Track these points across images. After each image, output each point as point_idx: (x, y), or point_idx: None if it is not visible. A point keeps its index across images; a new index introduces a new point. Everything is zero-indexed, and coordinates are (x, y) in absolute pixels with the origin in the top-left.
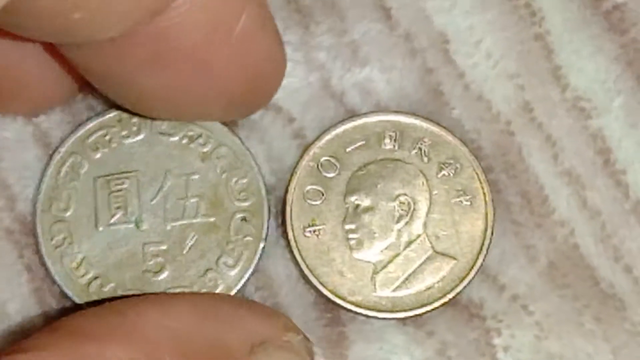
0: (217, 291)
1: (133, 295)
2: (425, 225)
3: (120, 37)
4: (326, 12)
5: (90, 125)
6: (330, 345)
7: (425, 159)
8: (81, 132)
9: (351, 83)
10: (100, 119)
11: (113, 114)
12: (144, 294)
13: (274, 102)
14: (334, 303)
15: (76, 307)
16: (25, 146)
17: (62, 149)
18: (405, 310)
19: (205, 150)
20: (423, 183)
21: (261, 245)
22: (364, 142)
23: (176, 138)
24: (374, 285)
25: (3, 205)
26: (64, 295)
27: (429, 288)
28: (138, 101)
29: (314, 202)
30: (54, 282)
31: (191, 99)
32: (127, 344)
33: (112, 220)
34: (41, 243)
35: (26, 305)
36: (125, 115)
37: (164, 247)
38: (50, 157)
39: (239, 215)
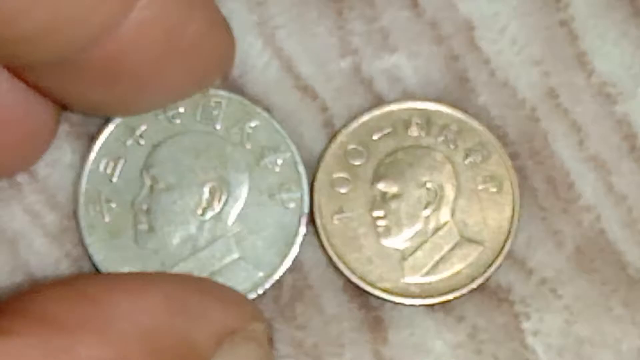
0: None
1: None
2: (452, 211)
3: (71, 58)
4: None
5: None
6: (370, 329)
7: (452, 146)
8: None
9: (380, 69)
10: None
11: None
12: (118, 274)
13: (311, 88)
14: (362, 289)
15: None
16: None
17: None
18: (433, 296)
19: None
20: (450, 170)
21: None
22: (390, 130)
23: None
24: (403, 271)
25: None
26: None
27: (457, 274)
28: (91, 107)
29: (341, 190)
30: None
31: (145, 100)
32: (99, 339)
33: None
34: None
35: None
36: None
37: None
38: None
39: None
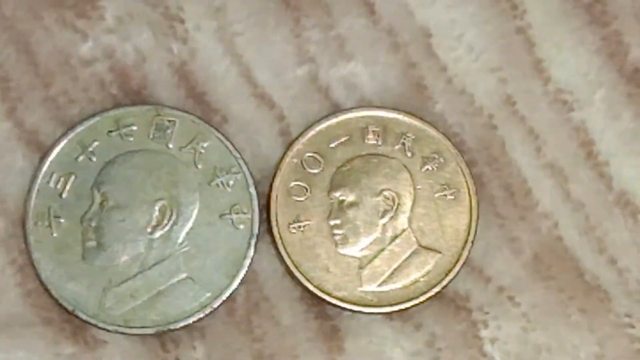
0: None
1: None
2: (410, 219)
3: None
4: (314, 5)
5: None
6: (326, 338)
7: (409, 154)
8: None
9: (337, 77)
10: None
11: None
12: None
13: (268, 97)
14: (319, 298)
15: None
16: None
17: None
18: (391, 305)
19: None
20: (407, 178)
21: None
22: (347, 138)
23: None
24: (360, 280)
25: None
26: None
27: (415, 282)
28: None
29: (298, 198)
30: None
31: None
32: None
33: None
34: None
35: (15, 309)
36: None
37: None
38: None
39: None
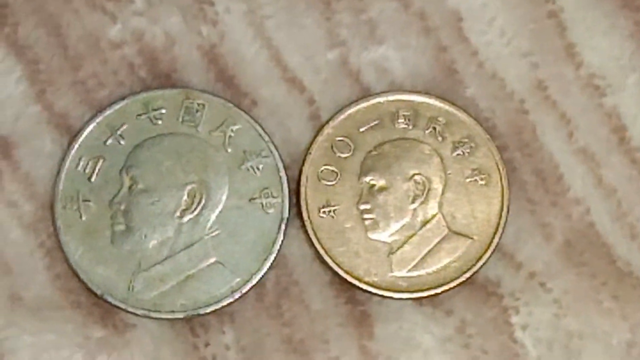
0: None
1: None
2: (440, 204)
3: None
4: None
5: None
6: (356, 324)
7: (440, 138)
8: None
9: (367, 61)
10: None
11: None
12: None
13: (299, 81)
14: (349, 283)
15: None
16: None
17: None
18: (421, 290)
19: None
20: (438, 162)
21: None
22: (377, 122)
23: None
24: (390, 265)
25: (22, 192)
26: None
27: (445, 268)
28: None
29: (328, 183)
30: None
31: None
32: None
33: None
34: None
35: (44, 292)
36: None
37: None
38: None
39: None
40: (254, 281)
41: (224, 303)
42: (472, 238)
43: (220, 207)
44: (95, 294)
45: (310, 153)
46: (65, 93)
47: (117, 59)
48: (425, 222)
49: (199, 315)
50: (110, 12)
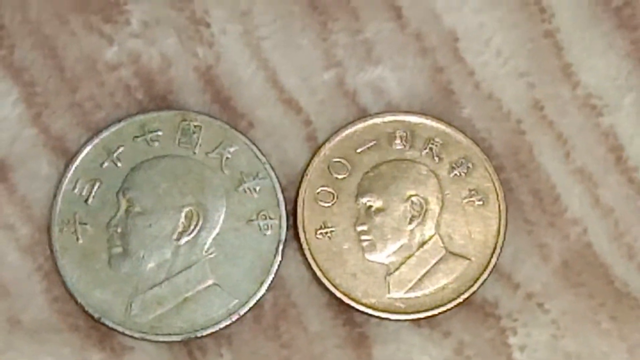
0: None
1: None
2: (437, 225)
3: None
4: (341, 9)
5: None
6: (354, 345)
7: (437, 159)
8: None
9: (364, 82)
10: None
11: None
12: None
13: (295, 102)
14: (347, 305)
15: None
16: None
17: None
18: (419, 312)
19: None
20: (435, 183)
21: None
22: (374, 143)
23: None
24: (388, 286)
25: (19, 215)
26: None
27: (443, 289)
28: None
29: (325, 204)
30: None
31: None
32: None
33: None
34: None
35: (42, 315)
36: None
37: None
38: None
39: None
40: (251, 303)
41: (222, 325)
42: (469, 259)
43: (217, 229)
44: (93, 317)
45: (307, 174)
46: (62, 115)
47: (113, 81)
48: (422, 243)
49: (196, 337)
50: (107, 34)
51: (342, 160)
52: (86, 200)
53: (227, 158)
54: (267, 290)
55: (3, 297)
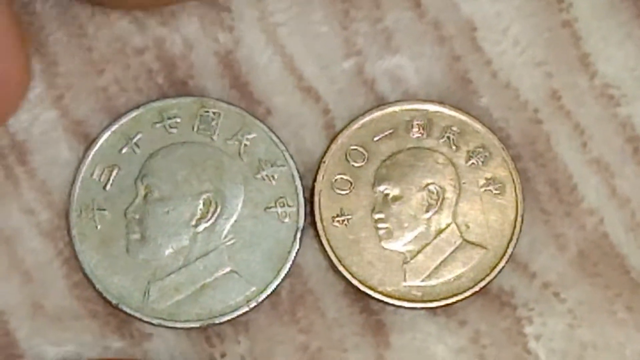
0: None
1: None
2: (454, 214)
3: None
4: None
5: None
6: (372, 333)
7: (454, 148)
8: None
9: (382, 70)
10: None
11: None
12: None
13: (315, 90)
14: (363, 293)
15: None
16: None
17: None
18: (435, 300)
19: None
20: (452, 172)
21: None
22: (392, 131)
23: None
24: (404, 275)
25: (39, 200)
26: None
27: (459, 277)
28: None
29: (342, 192)
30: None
31: None
32: None
33: None
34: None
35: (63, 301)
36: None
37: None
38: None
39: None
40: (268, 290)
41: (239, 312)
42: (486, 248)
43: (235, 216)
44: (111, 304)
45: (324, 162)
46: (85, 99)
47: (137, 65)
48: (439, 232)
49: (214, 324)
50: (139, 18)
51: (360, 148)
52: (104, 187)
53: (245, 145)
54: (284, 278)
55: (27, 283)
